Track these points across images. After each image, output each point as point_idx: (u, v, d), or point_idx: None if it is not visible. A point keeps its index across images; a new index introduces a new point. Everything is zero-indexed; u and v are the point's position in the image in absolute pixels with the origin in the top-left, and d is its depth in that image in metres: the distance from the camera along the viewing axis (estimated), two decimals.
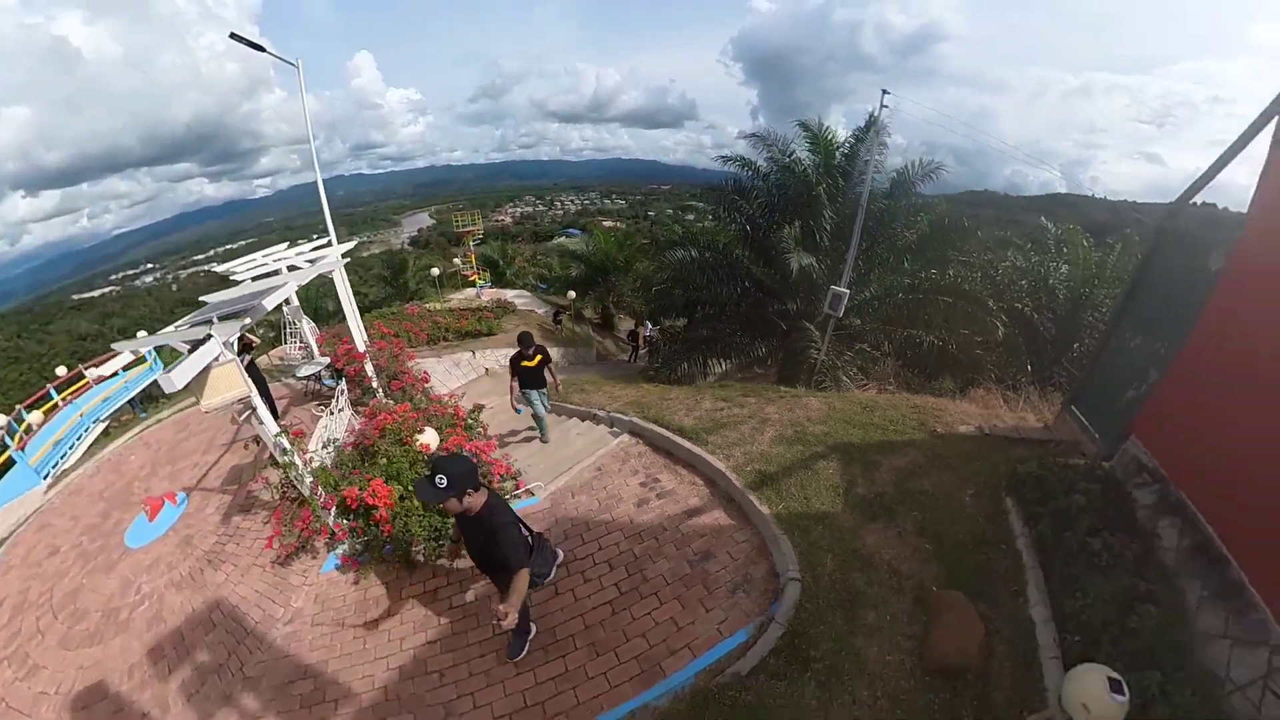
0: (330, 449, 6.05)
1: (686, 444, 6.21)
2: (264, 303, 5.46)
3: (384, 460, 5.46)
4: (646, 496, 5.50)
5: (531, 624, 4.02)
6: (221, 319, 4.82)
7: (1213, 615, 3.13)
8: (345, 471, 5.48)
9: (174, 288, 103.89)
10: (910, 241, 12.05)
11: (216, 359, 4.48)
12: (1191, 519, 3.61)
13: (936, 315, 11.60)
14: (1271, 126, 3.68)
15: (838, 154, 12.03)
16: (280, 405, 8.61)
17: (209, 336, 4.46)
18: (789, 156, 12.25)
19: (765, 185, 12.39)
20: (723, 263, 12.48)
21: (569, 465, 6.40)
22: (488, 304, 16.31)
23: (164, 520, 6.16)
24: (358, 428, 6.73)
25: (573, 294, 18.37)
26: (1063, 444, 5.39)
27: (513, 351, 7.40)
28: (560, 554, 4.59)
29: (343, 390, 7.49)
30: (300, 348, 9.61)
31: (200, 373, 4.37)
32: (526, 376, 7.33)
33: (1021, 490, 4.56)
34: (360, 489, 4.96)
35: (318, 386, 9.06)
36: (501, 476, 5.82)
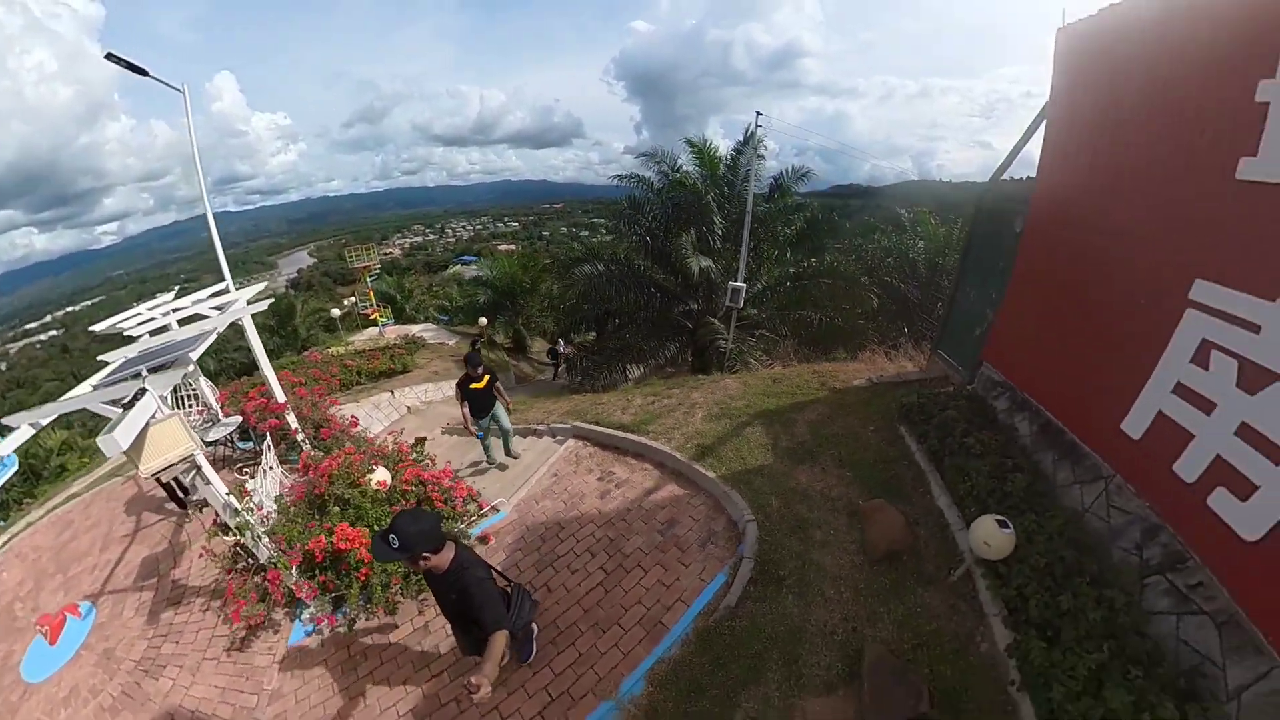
0: (273, 508, 5.63)
1: (630, 436, 6.75)
2: (190, 353, 5.18)
3: (336, 509, 5.30)
4: (606, 489, 5.93)
5: (533, 625, 3.96)
6: (152, 371, 4.57)
7: (1063, 471, 4.21)
8: (301, 525, 5.19)
9: (2, 366, 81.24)
10: (791, 237, 13.45)
11: (154, 415, 4.27)
12: (1035, 410, 4.74)
13: (821, 296, 13.04)
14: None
15: (721, 166, 13.23)
16: (190, 478, 7.86)
17: (144, 390, 4.24)
18: (678, 171, 13.30)
19: (659, 198, 13.23)
20: (627, 274, 13.19)
21: (525, 477, 6.63)
22: (396, 341, 15.83)
23: (70, 639, 5.19)
24: (290, 485, 6.46)
25: (484, 320, 18.16)
26: (935, 379, 6.58)
27: (432, 388, 7.28)
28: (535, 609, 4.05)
29: (269, 446, 7.15)
30: (200, 410, 8.93)
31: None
32: (476, 400, 6.97)
33: (910, 417, 5.63)
34: (327, 538, 4.78)
35: (229, 451, 8.49)
36: (465, 499, 5.91)
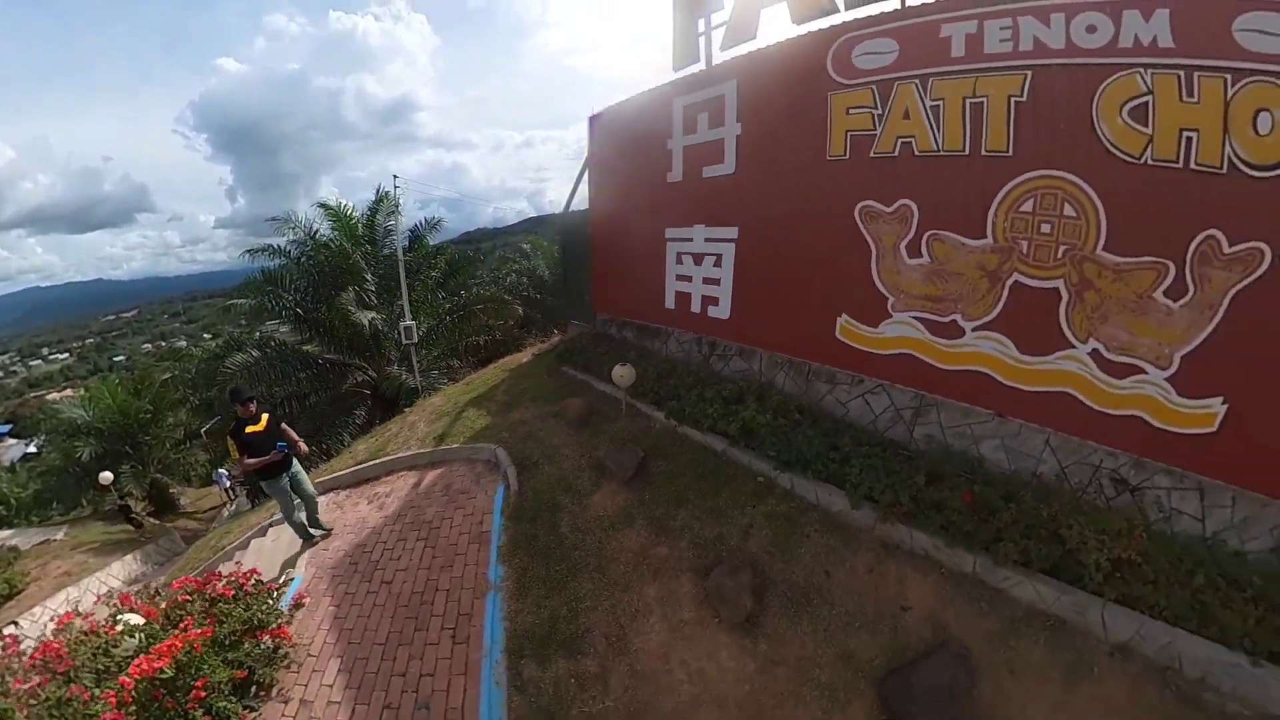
0: None
1: (373, 463, 7.79)
2: None
3: (97, 688, 4.08)
4: (381, 503, 6.85)
5: None
6: None
7: (653, 343, 7.61)
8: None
9: None
10: (438, 279, 15.53)
11: None
12: (630, 323, 8.10)
13: (479, 322, 15.51)
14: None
15: (359, 226, 14.03)
16: None
17: None
18: (314, 237, 13.42)
19: (299, 268, 13.24)
20: (288, 354, 12.89)
21: (299, 543, 6.56)
22: None
23: None
24: None
25: (108, 476, 14.18)
26: (574, 337, 9.68)
27: (75, 593, 5.78)
28: None
29: None
30: None
31: None
32: (260, 450, 5.48)
33: (565, 359, 8.66)
34: (127, 686, 3.87)
35: None
36: (253, 581, 5.43)
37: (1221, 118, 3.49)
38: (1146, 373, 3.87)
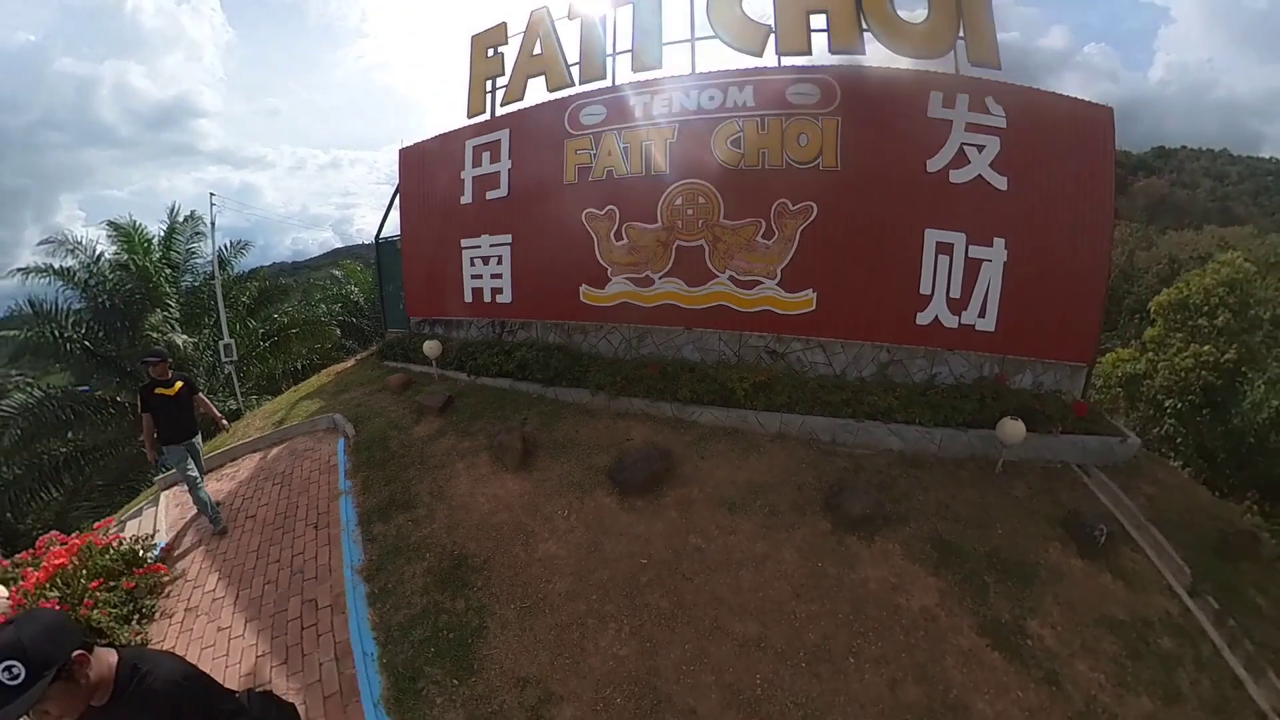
0: None
1: (213, 454, 8.41)
2: None
3: None
4: (231, 477, 7.60)
5: None
6: None
7: (459, 332, 9.74)
8: None
9: None
10: (250, 305, 15.67)
11: None
12: (439, 320, 10.12)
13: (294, 347, 15.83)
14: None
15: (158, 249, 13.54)
16: None
17: None
18: (98, 261, 12.50)
19: (90, 294, 12.32)
20: (78, 399, 11.87)
21: (153, 525, 6.68)
22: None
23: None
24: None
25: None
26: (392, 339, 11.35)
27: None
28: None
29: None
30: None
31: None
32: (168, 416, 5.27)
33: (385, 354, 10.46)
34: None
35: None
36: (104, 530, 5.83)
37: (780, 141, 6.76)
38: (765, 283, 7.01)
